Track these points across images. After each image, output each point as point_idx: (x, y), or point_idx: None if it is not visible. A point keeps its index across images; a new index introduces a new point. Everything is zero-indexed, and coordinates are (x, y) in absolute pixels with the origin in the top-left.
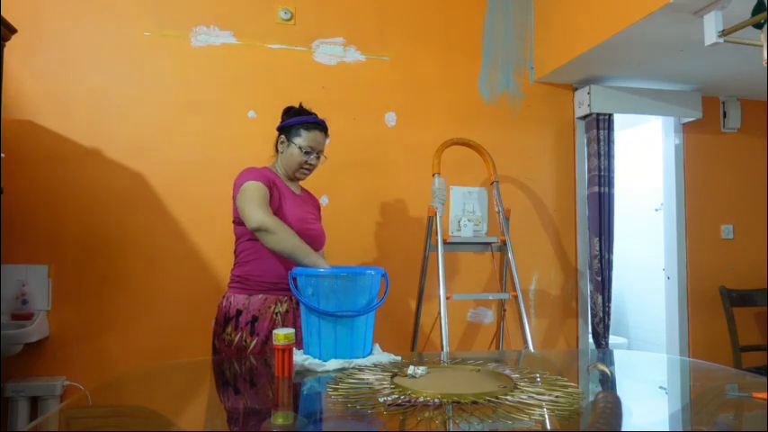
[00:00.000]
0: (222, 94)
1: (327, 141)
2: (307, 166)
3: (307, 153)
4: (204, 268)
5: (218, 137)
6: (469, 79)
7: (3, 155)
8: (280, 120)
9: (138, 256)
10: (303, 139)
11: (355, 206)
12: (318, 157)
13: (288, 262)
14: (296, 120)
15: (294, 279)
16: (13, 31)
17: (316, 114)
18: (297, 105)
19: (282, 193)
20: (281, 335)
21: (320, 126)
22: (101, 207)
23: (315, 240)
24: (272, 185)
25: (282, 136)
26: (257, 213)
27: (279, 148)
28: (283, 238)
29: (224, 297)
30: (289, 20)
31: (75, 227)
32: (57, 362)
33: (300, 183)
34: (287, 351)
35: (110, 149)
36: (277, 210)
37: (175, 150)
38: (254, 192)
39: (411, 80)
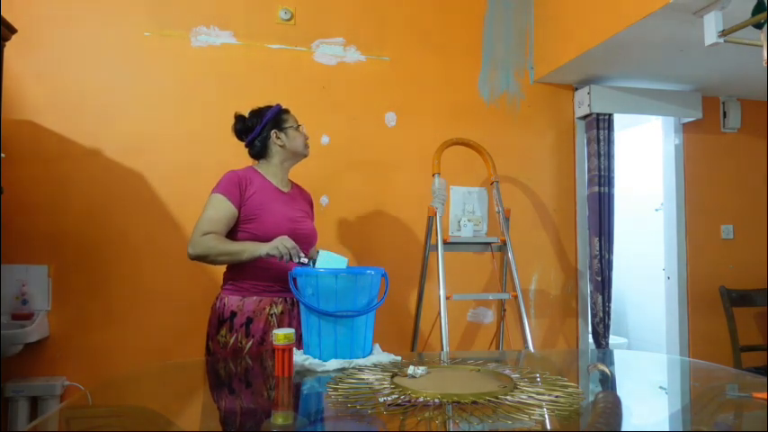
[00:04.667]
0: (222, 94)
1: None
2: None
3: (300, 126)
4: (204, 268)
5: (218, 137)
6: (469, 79)
7: (3, 155)
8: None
9: (139, 255)
10: (290, 120)
11: (355, 206)
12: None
13: (281, 265)
14: (271, 112)
15: (294, 279)
16: (13, 31)
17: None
18: (247, 114)
19: (267, 193)
20: (281, 335)
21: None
22: (101, 207)
23: (305, 239)
24: (245, 184)
25: (273, 131)
26: (190, 248)
27: (278, 143)
28: (216, 254)
29: (217, 299)
30: (289, 20)
31: (75, 227)
32: (57, 362)
33: (296, 181)
34: (287, 351)
35: (110, 149)
36: (258, 210)
37: (175, 150)
38: (208, 211)
39: (411, 80)
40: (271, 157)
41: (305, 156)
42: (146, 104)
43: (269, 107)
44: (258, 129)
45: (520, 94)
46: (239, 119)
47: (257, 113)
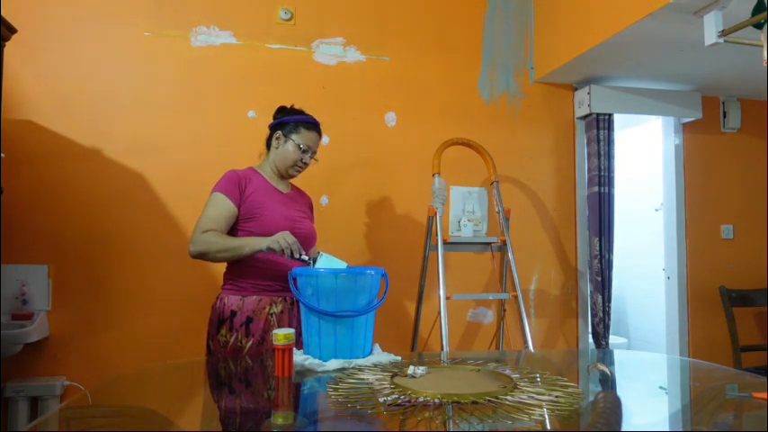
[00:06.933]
0: (222, 94)
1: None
2: (301, 164)
3: (304, 151)
4: (204, 268)
5: (218, 137)
6: (469, 79)
7: (3, 155)
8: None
9: (138, 255)
10: (302, 136)
11: (355, 206)
12: (312, 158)
13: (281, 264)
14: (297, 117)
15: (294, 279)
16: (13, 30)
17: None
18: (294, 106)
19: (266, 193)
20: (281, 335)
21: (317, 127)
22: (101, 207)
23: (304, 239)
24: (245, 183)
25: (278, 132)
26: (191, 246)
27: (274, 144)
28: (216, 250)
29: (217, 298)
30: (289, 20)
31: (74, 227)
32: (57, 362)
33: (292, 181)
34: (287, 351)
35: (110, 149)
36: (257, 209)
37: (175, 150)
38: (208, 210)
39: (411, 80)
40: (269, 154)
41: (283, 176)
42: (146, 104)
43: (302, 113)
44: (275, 122)
45: (520, 94)
46: (279, 108)
47: (283, 110)
